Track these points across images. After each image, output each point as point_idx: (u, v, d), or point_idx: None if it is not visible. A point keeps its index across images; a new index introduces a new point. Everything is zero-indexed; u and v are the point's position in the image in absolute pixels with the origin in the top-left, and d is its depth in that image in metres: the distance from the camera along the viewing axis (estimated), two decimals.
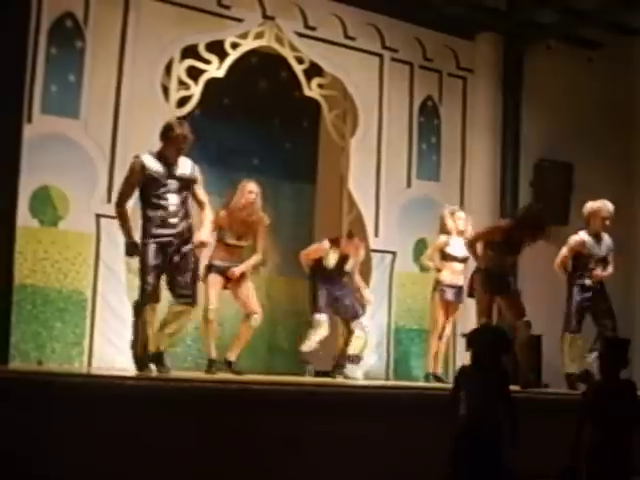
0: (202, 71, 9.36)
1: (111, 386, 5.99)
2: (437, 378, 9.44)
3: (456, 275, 9.46)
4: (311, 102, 10.20)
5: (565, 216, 11.25)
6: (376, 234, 10.20)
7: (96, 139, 8.70)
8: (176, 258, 6.93)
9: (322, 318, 8.87)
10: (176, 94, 9.26)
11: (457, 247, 9.43)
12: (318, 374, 9.12)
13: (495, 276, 8.36)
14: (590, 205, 8.95)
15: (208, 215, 7.23)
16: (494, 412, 4.62)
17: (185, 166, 7.07)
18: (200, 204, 7.21)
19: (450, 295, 9.42)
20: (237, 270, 8.27)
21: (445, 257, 9.49)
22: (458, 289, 9.41)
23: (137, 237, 6.96)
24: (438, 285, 9.44)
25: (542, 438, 6.31)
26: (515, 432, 4.64)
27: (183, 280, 6.98)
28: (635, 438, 4.81)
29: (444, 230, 9.57)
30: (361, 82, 10.33)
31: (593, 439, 4.72)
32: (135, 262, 7.83)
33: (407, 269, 10.42)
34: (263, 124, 10.76)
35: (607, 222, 8.84)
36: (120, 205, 6.99)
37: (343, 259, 9.02)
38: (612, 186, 11.38)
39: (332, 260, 8.97)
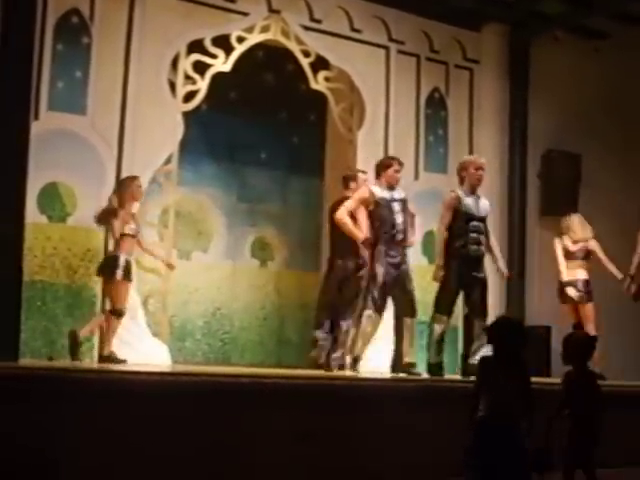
0: (208, 65, 9.36)
1: (122, 382, 6.00)
2: None
3: None
4: (318, 95, 10.19)
5: (573, 207, 11.22)
6: None
7: (103, 135, 8.72)
8: None
9: None
10: (183, 89, 9.26)
11: None
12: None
13: None
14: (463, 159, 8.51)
15: None
16: (514, 404, 4.62)
17: None
18: None
19: None
20: None
21: None
22: None
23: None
24: None
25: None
26: (531, 424, 4.64)
27: None
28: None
29: None
30: (368, 75, 10.32)
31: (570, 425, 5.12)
32: (145, 258, 7.91)
33: (415, 261, 10.39)
34: (270, 118, 10.76)
35: (481, 173, 8.13)
36: None
37: None
38: (620, 176, 11.41)
39: None
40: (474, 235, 8.00)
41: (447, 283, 8.00)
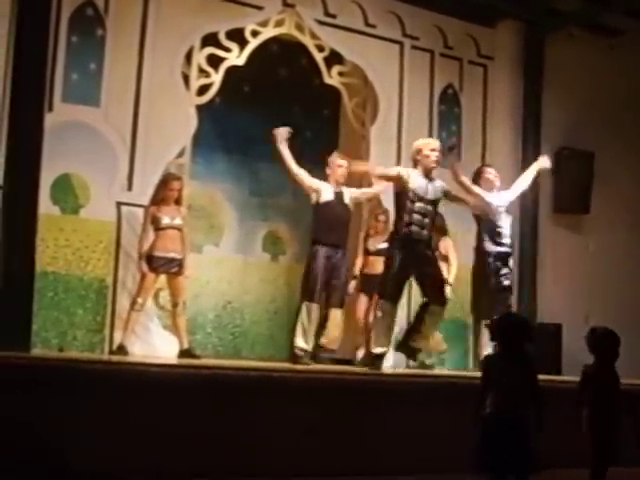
0: (222, 59, 9.36)
1: (133, 373, 6.02)
2: None
3: None
4: (331, 90, 10.18)
5: (586, 204, 11.20)
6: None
7: (117, 127, 8.72)
8: None
9: None
10: (196, 82, 9.26)
11: None
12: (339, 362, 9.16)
13: None
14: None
15: None
16: (520, 400, 4.61)
17: None
18: None
19: None
20: None
21: None
22: None
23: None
24: None
25: None
26: (540, 420, 4.63)
27: None
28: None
29: None
30: (381, 70, 10.30)
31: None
32: None
33: None
34: (283, 112, 10.72)
35: (436, 154, 7.88)
36: None
37: None
38: (633, 174, 11.37)
39: None
40: (418, 217, 7.71)
41: (391, 266, 7.72)
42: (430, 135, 10.50)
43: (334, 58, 10.05)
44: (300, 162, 8.70)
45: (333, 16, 9.98)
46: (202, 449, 5.71)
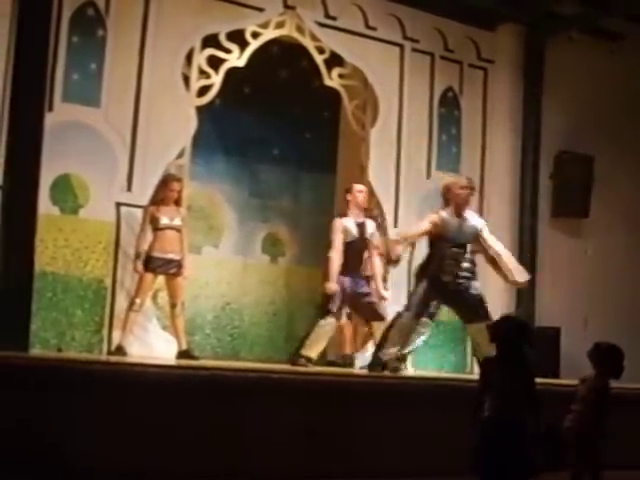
0: (223, 60, 9.36)
1: (131, 374, 6.02)
2: None
3: None
4: (331, 92, 10.18)
5: (585, 208, 11.20)
6: (395, 225, 10.18)
7: (117, 128, 8.73)
8: None
9: None
10: (196, 83, 9.26)
11: None
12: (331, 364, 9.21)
13: None
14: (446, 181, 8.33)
15: None
16: (519, 404, 4.60)
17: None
18: None
19: None
20: None
21: None
22: None
23: None
24: None
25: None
26: (537, 423, 4.63)
27: None
28: None
29: None
30: (382, 72, 10.30)
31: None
32: None
33: None
34: (283, 114, 10.77)
35: (467, 192, 7.95)
36: None
37: None
38: (633, 178, 11.37)
39: None
40: (450, 262, 7.80)
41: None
42: (429, 138, 10.52)
43: (334, 60, 10.05)
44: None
45: (334, 18, 9.99)
46: (200, 450, 5.71)
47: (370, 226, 8.73)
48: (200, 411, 5.80)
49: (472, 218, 8.07)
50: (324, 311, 8.37)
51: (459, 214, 7.93)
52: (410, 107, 10.46)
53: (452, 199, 7.96)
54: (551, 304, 9.39)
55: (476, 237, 8.00)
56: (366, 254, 8.69)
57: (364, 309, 8.63)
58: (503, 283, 8.55)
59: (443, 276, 7.77)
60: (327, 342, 8.50)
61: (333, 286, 8.31)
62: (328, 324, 8.33)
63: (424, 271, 7.97)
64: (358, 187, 8.81)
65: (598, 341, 5.35)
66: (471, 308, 7.90)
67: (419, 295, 7.93)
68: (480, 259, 8.15)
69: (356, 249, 8.57)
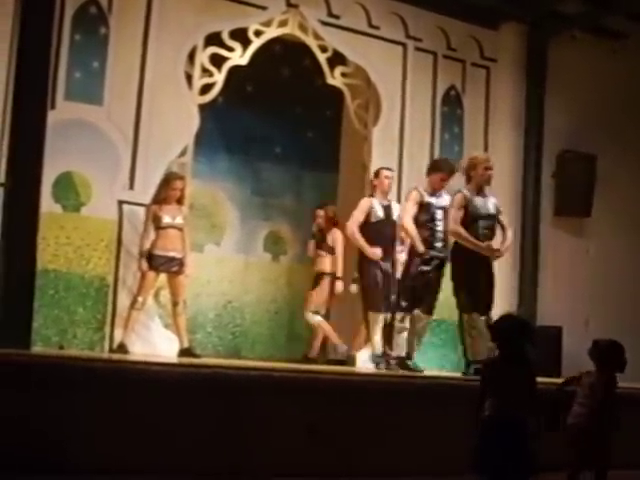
0: (225, 58, 9.36)
1: (133, 372, 6.02)
2: None
3: None
4: (334, 91, 10.18)
5: (587, 208, 11.19)
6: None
7: (119, 126, 8.73)
8: None
9: None
10: (199, 81, 9.26)
11: None
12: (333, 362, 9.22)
13: None
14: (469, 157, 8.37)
15: None
16: (519, 403, 4.60)
17: None
18: None
19: None
20: None
21: None
22: None
23: None
24: None
25: None
26: (538, 423, 4.63)
27: None
28: None
29: None
30: (384, 71, 10.30)
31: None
32: None
33: None
34: (286, 112, 10.77)
35: (490, 173, 8.04)
36: None
37: None
38: (635, 177, 11.36)
39: None
40: (485, 232, 7.90)
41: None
42: (432, 137, 10.51)
43: (337, 59, 10.05)
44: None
45: (336, 17, 9.99)
46: (202, 448, 5.71)
47: (396, 209, 8.66)
48: (201, 409, 5.81)
49: (492, 197, 8.13)
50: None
51: (480, 192, 7.99)
52: (413, 106, 10.45)
53: (474, 177, 8.00)
54: (553, 303, 9.39)
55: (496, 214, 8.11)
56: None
57: None
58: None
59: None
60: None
61: (378, 250, 8.28)
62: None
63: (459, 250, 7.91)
64: (386, 172, 8.69)
65: (596, 339, 5.35)
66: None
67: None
68: None
69: (381, 230, 8.49)
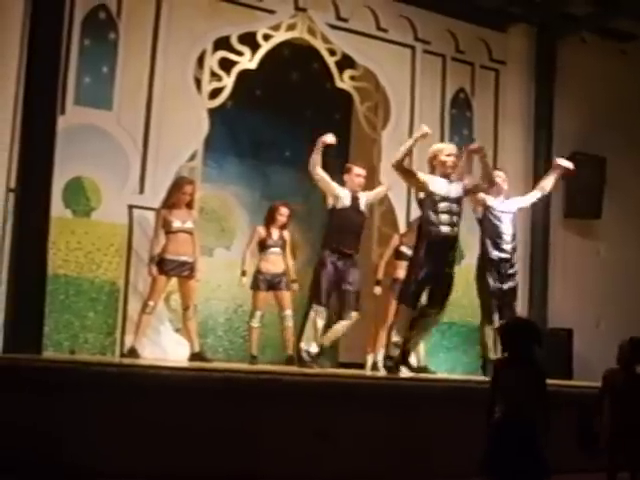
0: (234, 63, 9.38)
1: (144, 376, 6.03)
2: None
3: None
4: (343, 94, 10.19)
5: (597, 209, 11.18)
6: (407, 224, 10.16)
7: (129, 130, 8.75)
8: None
9: None
10: (208, 86, 9.28)
11: None
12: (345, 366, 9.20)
13: None
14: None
15: None
16: (529, 405, 4.59)
17: None
18: None
19: None
20: None
21: None
22: None
23: None
24: None
25: None
26: (547, 426, 4.62)
27: None
28: None
29: None
30: (393, 74, 10.30)
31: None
32: None
33: None
34: (295, 116, 10.77)
35: (450, 160, 7.89)
36: None
37: None
38: None
39: None
40: (446, 216, 7.74)
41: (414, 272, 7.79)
42: (442, 140, 10.49)
43: (346, 62, 10.05)
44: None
45: (345, 20, 10.00)
46: (213, 452, 5.72)
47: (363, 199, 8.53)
48: (212, 413, 5.81)
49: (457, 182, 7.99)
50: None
51: (446, 177, 7.86)
52: (422, 109, 10.45)
53: (437, 166, 7.93)
54: (563, 305, 9.37)
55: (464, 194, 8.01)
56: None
57: None
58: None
59: (442, 232, 7.74)
60: None
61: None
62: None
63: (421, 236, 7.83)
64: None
65: (632, 336, 5.39)
66: None
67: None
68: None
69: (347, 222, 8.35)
